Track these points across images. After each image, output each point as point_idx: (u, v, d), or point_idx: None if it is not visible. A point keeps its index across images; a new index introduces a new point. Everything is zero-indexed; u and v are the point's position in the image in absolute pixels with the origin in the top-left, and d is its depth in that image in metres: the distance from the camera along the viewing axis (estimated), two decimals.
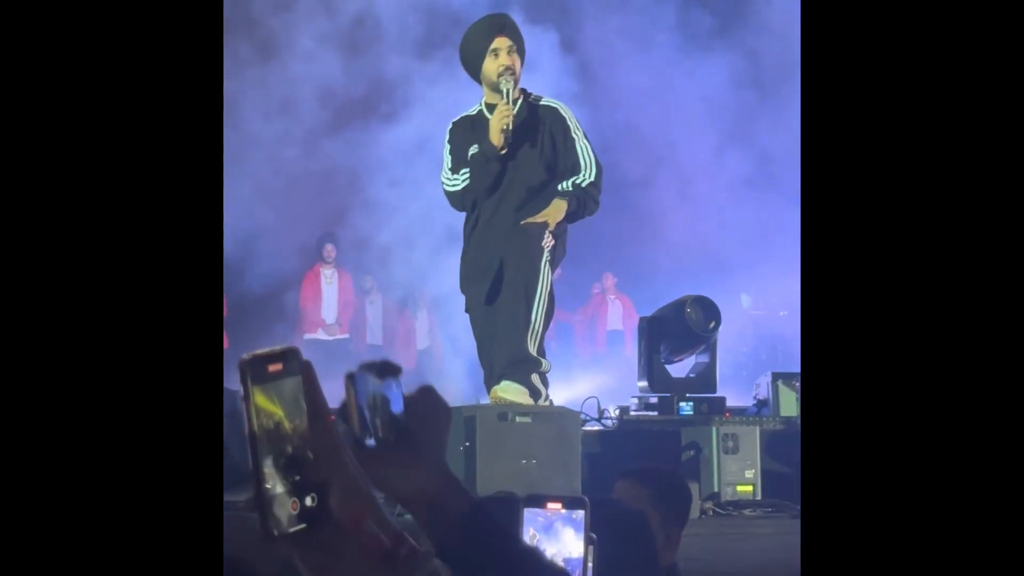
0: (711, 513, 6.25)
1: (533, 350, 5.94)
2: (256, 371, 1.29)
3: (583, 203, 6.00)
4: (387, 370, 1.50)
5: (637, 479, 3.56)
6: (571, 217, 6.04)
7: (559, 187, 6.02)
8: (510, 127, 5.92)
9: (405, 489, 1.54)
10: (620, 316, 15.12)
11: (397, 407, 1.50)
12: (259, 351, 1.31)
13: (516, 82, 6.01)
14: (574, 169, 6.03)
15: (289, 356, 1.33)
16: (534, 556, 1.61)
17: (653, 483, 3.53)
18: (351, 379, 1.47)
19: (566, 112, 6.11)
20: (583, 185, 6.00)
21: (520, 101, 6.10)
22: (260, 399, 1.29)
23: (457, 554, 1.53)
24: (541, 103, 6.13)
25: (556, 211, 5.97)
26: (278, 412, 1.31)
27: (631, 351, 14.52)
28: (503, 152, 5.98)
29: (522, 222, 5.96)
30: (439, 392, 1.58)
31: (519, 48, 6.05)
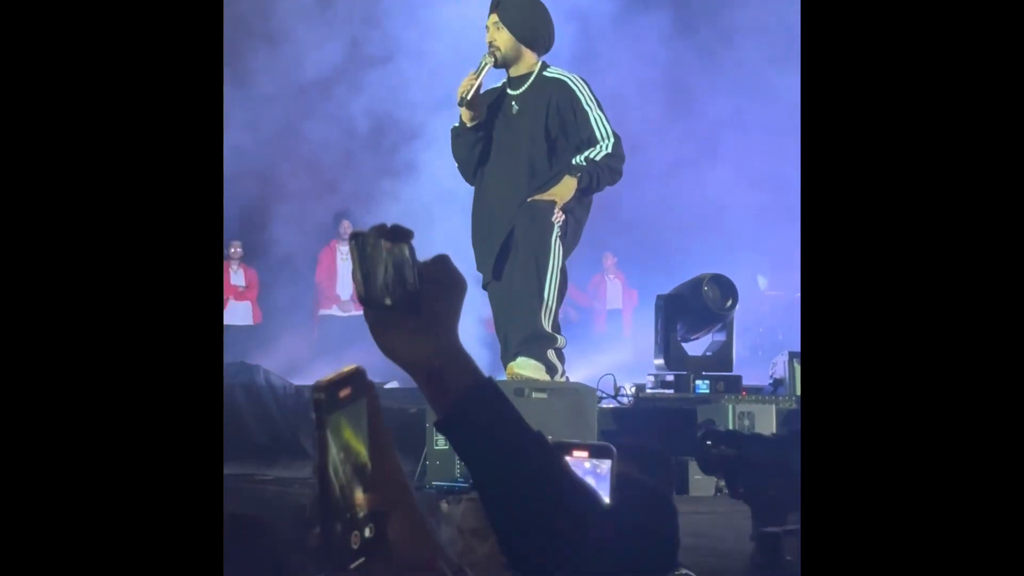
0: (725, 491, 6.23)
1: (548, 326, 5.93)
2: (329, 400, 1.29)
3: (596, 177, 5.95)
4: (398, 234, 1.45)
5: (622, 453, 3.60)
6: (585, 192, 6.00)
7: (573, 161, 5.99)
8: (466, 97, 5.94)
9: (412, 356, 1.51)
10: (619, 295, 15.15)
11: (410, 272, 1.45)
12: (330, 377, 1.30)
13: (498, 57, 6.04)
14: (589, 141, 5.98)
15: (356, 378, 1.33)
16: (535, 441, 1.54)
17: (637, 458, 3.56)
18: (356, 239, 1.43)
19: (577, 84, 6.06)
20: (597, 158, 5.95)
21: (534, 74, 6.11)
22: (334, 427, 1.29)
23: (456, 426, 1.50)
24: (547, 74, 6.11)
25: (565, 189, 5.94)
26: (349, 438, 1.31)
27: (629, 330, 14.67)
28: (472, 124, 6.06)
29: (529, 199, 5.94)
30: (452, 263, 1.53)
31: (509, 22, 6.05)
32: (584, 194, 6.00)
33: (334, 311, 13.61)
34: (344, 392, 1.31)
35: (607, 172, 5.96)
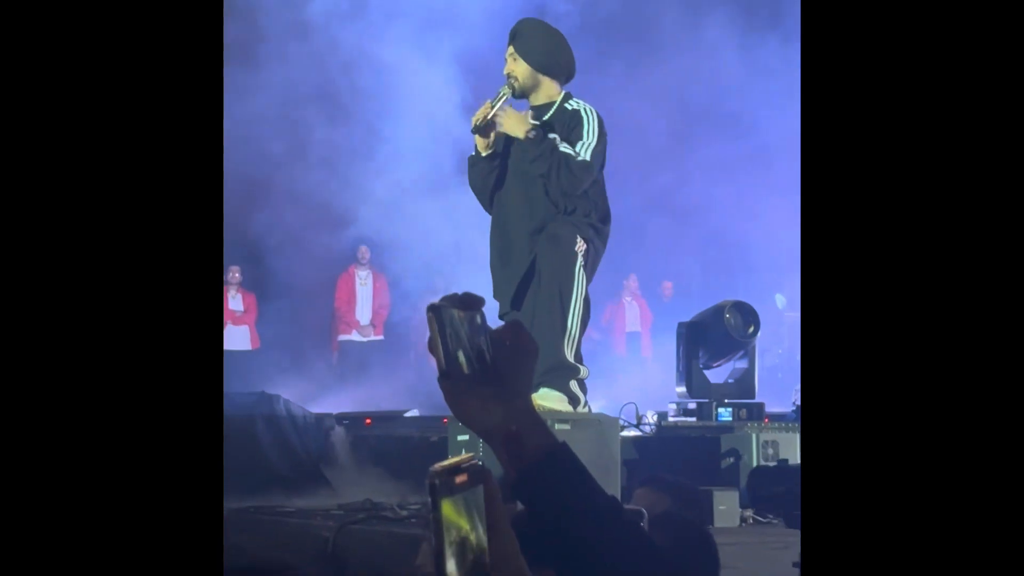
0: (751, 521, 6.19)
1: (570, 356, 5.91)
2: (445, 484, 1.32)
3: (544, 150, 5.89)
4: (470, 303, 1.49)
5: (655, 487, 3.59)
6: (527, 144, 5.93)
7: (553, 136, 5.98)
8: (476, 122, 6.01)
9: (488, 422, 1.53)
10: (637, 317, 15.16)
11: (483, 340, 1.49)
12: (446, 463, 1.33)
13: (516, 87, 6.07)
14: (569, 140, 5.97)
15: (473, 467, 1.35)
16: (610, 504, 1.58)
17: (670, 492, 3.55)
18: (435, 311, 1.47)
19: (589, 113, 6.06)
20: (560, 148, 5.92)
21: (556, 104, 6.12)
22: (448, 510, 1.31)
23: (532, 490, 1.53)
24: (568, 106, 6.11)
25: (516, 117, 5.96)
26: (463, 524, 1.33)
27: (647, 352, 14.70)
28: (487, 152, 6.10)
29: (492, 104, 5.98)
30: (525, 328, 1.57)
31: (525, 52, 6.09)
32: (527, 146, 5.94)
33: (353, 336, 13.61)
34: (460, 478, 1.34)
35: (555, 161, 5.89)
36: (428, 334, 1.50)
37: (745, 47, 14.60)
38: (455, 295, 1.49)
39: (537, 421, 1.54)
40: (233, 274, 13.43)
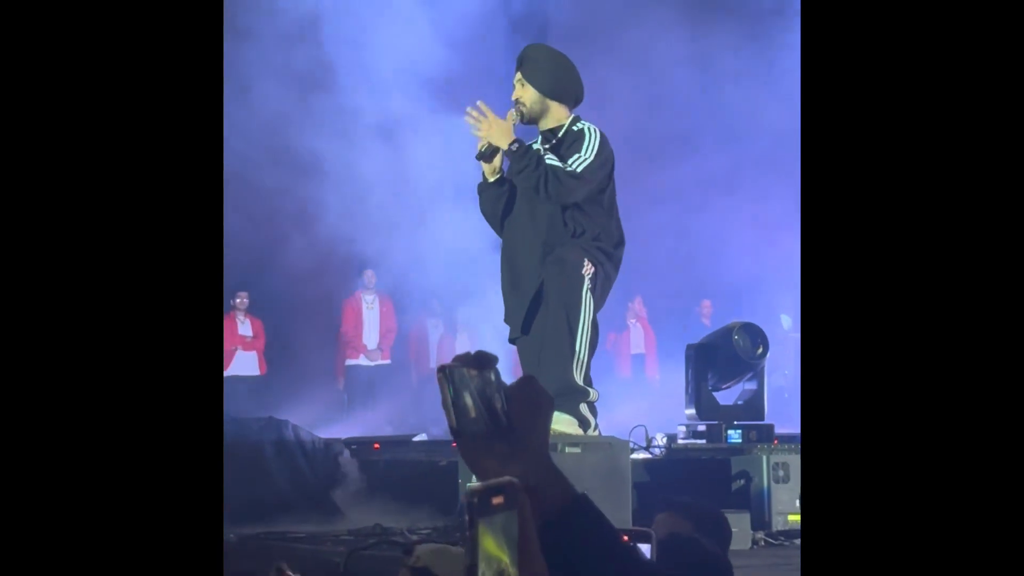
0: (763, 544, 6.17)
1: (580, 380, 5.91)
2: (481, 505, 1.35)
3: (527, 162, 5.86)
4: (483, 361, 1.50)
5: (677, 512, 3.57)
6: (509, 156, 5.90)
7: (538, 144, 5.96)
8: (481, 148, 5.99)
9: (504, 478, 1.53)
10: (641, 339, 15.17)
11: (497, 397, 1.50)
12: (483, 484, 1.36)
13: (524, 113, 6.07)
14: (562, 157, 5.94)
15: (510, 489, 1.37)
16: (631, 553, 1.61)
17: (692, 517, 3.53)
18: (445, 373, 1.48)
19: (592, 131, 6.06)
20: (547, 160, 5.90)
21: (565, 127, 6.12)
22: (483, 533, 1.34)
23: (555, 544, 1.53)
24: (575, 127, 6.12)
25: (500, 128, 5.89)
26: (497, 547, 1.35)
27: (652, 373, 14.71)
28: (494, 178, 6.09)
29: (470, 111, 5.91)
30: (539, 384, 1.58)
31: (532, 78, 6.09)
32: (512, 166, 5.92)
33: (361, 360, 13.62)
34: (497, 500, 1.36)
35: (540, 175, 5.86)
36: (439, 389, 1.51)
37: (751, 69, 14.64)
38: (468, 354, 1.50)
39: (556, 475, 1.55)
40: (241, 299, 13.44)
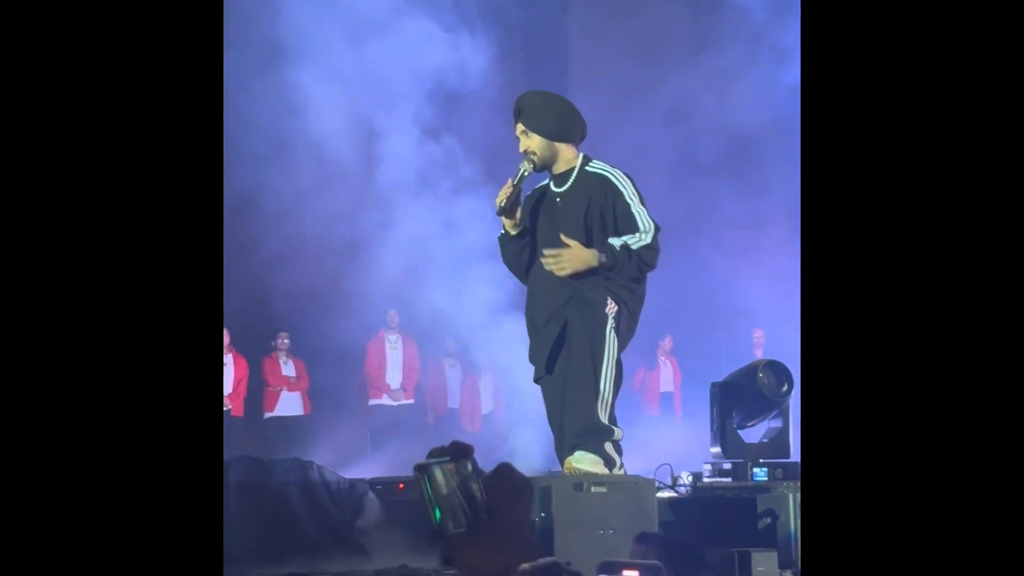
0: None
1: (604, 418, 5.92)
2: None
3: (622, 262, 5.92)
4: (459, 452, 1.48)
5: (650, 545, 3.71)
6: (605, 271, 5.96)
7: (610, 239, 5.99)
8: (503, 206, 6.03)
9: (497, 570, 1.53)
10: (670, 377, 15.15)
11: (476, 488, 1.48)
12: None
13: (536, 162, 6.09)
14: (629, 230, 6.00)
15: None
16: None
17: (663, 547, 3.64)
18: (421, 470, 1.47)
19: (619, 179, 6.07)
20: (634, 247, 5.95)
21: (576, 168, 6.13)
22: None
23: None
24: (590, 169, 6.13)
25: (580, 257, 5.93)
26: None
27: (680, 411, 14.66)
28: (516, 231, 6.14)
29: (546, 253, 5.96)
30: (515, 467, 1.56)
31: (534, 126, 6.09)
32: (603, 271, 5.97)
33: (384, 400, 13.64)
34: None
35: (636, 262, 5.94)
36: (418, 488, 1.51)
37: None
38: (443, 447, 1.49)
39: (541, 555, 1.56)
40: (282, 340, 13.53)
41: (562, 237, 5.98)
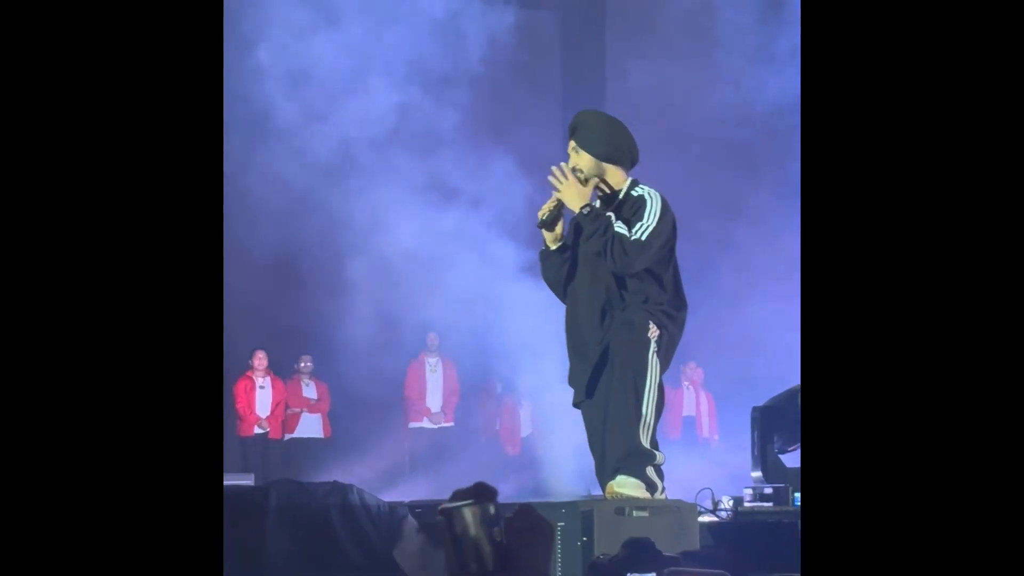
0: None
1: (646, 443, 5.92)
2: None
3: (598, 227, 5.95)
4: (483, 494, 1.48)
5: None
6: (580, 224, 6.03)
7: (609, 213, 6.01)
8: (542, 217, 6.10)
9: None
10: (693, 401, 15.09)
11: (497, 531, 1.49)
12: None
13: (582, 178, 6.12)
14: (627, 224, 5.99)
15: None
16: None
17: None
18: (446, 515, 1.47)
19: (653, 197, 6.10)
20: (615, 228, 5.94)
21: (623, 191, 6.16)
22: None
23: None
24: (635, 192, 6.15)
25: (577, 189, 6.00)
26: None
27: (705, 435, 14.59)
28: (556, 246, 6.18)
29: (557, 167, 6.03)
30: (537, 511, 1.56)
31: (586, 145, 6.15)
32: (581, 228, 6.02)
33: (424, 423, 13.66)
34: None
35: (609, 242, 5.93)
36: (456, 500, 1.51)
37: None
38: (468, 489, 1.50)
39: None
40: (304, 363, 13.58)
41: (563, 165, 6.06)
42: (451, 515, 1.49)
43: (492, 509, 1.50)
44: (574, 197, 6.01)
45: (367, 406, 13.85)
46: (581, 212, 5.97)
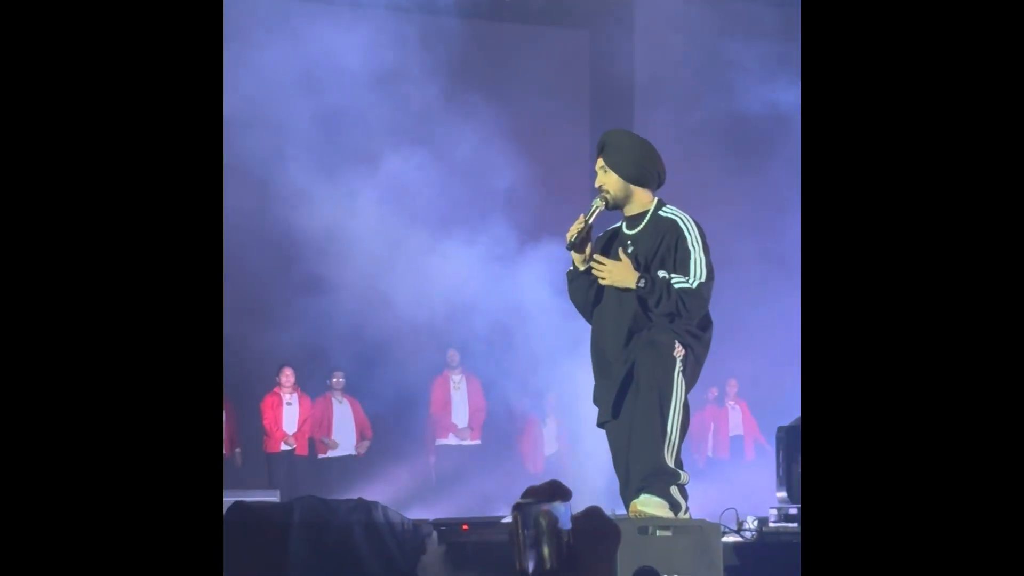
0: None
1: (671, 462, 5.90)
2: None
3: (659, 292, 5.94)
4: (556, 493, 1.49)
5: None
6: (642, 295, 5.99)
7: (659, 271, 6.01)
8: (574, 240, 6.07)
9: None
10: (739, 421, 15.04)
11: (566, 532, 1.50)
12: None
13: (609, 200, 6.14)
14: (680, 271, 6.00)
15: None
16: None
17: None
18: (519, 511, 1.48)
19: (687, 223, 6.09)
20: (676, 285, 5.95)
21: (650, 212, 6.15)
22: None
23: None
24: (662, 213, 6.15)
25: (621, 272, 5.98)
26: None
27: (751, 455, 14.53)
28: (585, 267, 6.14)
29: (595, 257, 6.03)
30: (605, 514, 1.57)
31: (615, 164, 6.14)
32: (639, 297, 5.99)
33: (450, 440, 13.68)
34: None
35: (675, 300, 5.94)
36: (510, 526, 1.51)
37: None
38: (542, 487, 1.50)
39: None
40: (337, 379, 13.60)
41: (596, 256, 6.05)
42: (524, 512, 1.50)
43: (562, 509, 1.53)
44: (622, 275, 6.00)
45: (393, 423, 13.87)
46: (639, 286, 5.96)
